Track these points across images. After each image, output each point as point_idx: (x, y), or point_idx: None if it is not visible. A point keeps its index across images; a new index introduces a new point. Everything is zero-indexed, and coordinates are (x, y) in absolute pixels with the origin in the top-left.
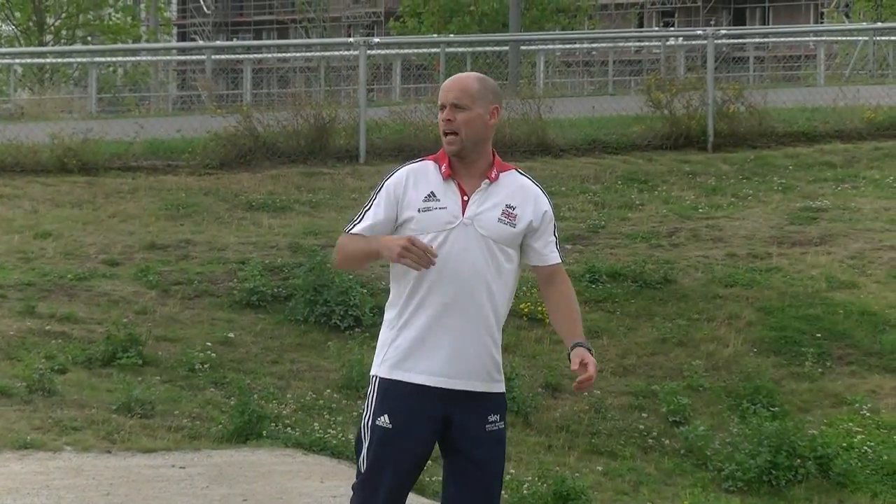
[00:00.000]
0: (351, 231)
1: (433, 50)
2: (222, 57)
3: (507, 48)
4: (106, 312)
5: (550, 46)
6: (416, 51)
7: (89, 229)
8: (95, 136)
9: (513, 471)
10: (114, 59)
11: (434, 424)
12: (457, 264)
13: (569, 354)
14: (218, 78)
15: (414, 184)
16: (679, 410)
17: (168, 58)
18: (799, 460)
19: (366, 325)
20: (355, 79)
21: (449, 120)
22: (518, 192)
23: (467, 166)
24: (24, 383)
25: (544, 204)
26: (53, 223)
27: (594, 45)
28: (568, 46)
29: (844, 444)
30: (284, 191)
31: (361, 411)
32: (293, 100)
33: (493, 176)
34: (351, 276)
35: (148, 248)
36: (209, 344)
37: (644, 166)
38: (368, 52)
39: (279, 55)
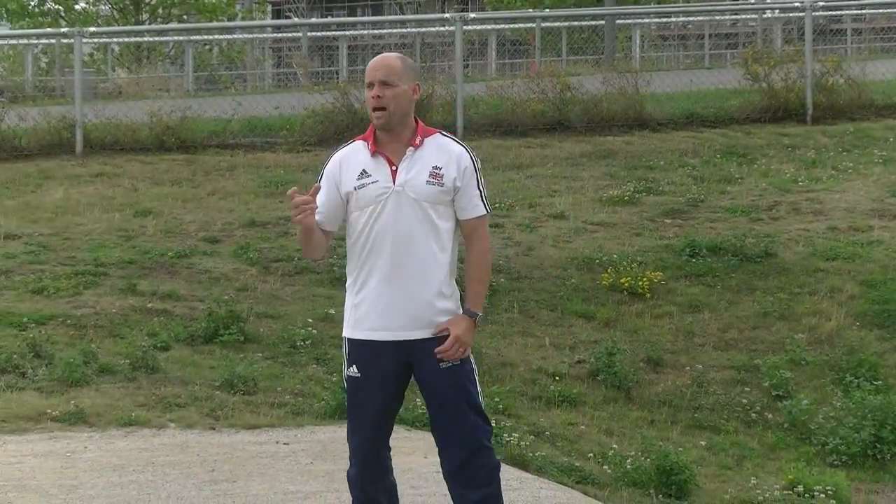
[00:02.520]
0: None
1: (529, 25)
2: (317, 34)
3: (602, 22)
4: (207, 289)
5: (646, 20)
6: (511, 26)
7: (189, 207)
8: (193, 115)
9: (615, 446)
10: (210, 37)
11: (393, 370)
12: (395, 229)
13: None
14: (313, 55)
15: (347, 164)
16: (781, 384)
17: (263, 35)
18: None
19: None
20: (451, 55)
21: (378, 96)
22: (442, 153)
23: (393, 138)
24: (128, 361)
25: (466, 160)
26: (153, 201)
27: (690, 19)
28: (663, 20)
29: None
30: None
31: (340, 368)
32: None
33: (416, 143)
34: None
35: (247, 226)
36: (310, 320)
37: (742, 140)
38: (464, 27)
39: (374, 31)
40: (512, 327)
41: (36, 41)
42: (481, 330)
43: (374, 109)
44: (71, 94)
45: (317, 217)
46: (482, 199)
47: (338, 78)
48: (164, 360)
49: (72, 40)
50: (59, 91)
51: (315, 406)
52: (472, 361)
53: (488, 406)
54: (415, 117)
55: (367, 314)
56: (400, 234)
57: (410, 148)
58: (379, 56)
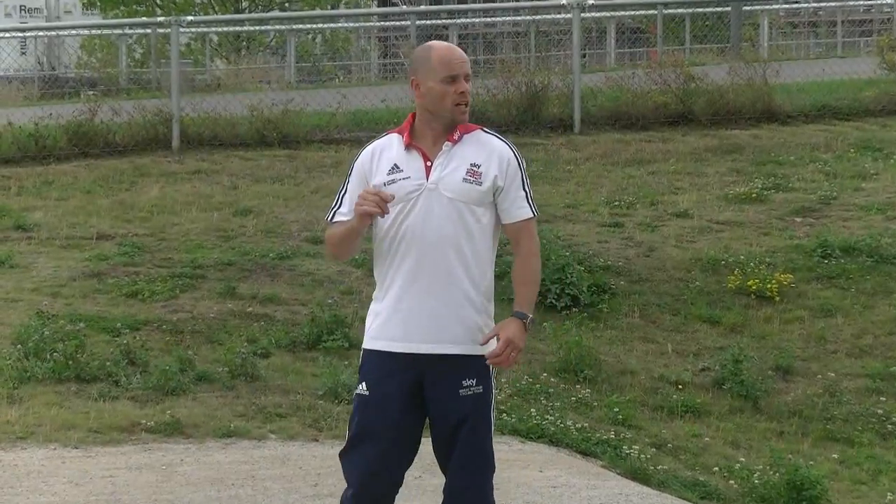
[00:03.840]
0: (333, 220)
1: (650, 12)
2: (426, 22)
3: (728, 9)
4: (310, 293)
5: (774, 6)
6: (631, 13)
7: (291, 205)
8: (296, 108)
9: (742, 459)
10: (312, 25)
11: (406, 388)
12: (423, 230)
13: None
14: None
15: (378, 159)
16: None
17: (369, 24)
18: None
19: (584, 304)
20: (567, 44)
21: (466, 91)
22: (482, 150)
23: (434, 132)
24: (226, 368)
25: (509, 157)
26: (253, 199)
27: (821, 4)
28: (793, 6)
29: None
30: None
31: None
32: (502, 67)
33: (454, 138)
34: (567, 254)
35: None
36: None
37: (878, 133)
38: (582, 14)
39: (486, 19)
40: (632, 333)
41: (130, 31)
42: (599, 336)
43: (459, 104)
44: (167, 86)
45: (344, 217)
46: (528, 201)
47: None
48: (264, 367)
49: (168, 30)
50: (155, 83)
51: None
52: (494, 388)
53: (606, 417)
54: None
55: (387, 323)
56: (429, 235)
57: (447, 143)
58: (448, 46)
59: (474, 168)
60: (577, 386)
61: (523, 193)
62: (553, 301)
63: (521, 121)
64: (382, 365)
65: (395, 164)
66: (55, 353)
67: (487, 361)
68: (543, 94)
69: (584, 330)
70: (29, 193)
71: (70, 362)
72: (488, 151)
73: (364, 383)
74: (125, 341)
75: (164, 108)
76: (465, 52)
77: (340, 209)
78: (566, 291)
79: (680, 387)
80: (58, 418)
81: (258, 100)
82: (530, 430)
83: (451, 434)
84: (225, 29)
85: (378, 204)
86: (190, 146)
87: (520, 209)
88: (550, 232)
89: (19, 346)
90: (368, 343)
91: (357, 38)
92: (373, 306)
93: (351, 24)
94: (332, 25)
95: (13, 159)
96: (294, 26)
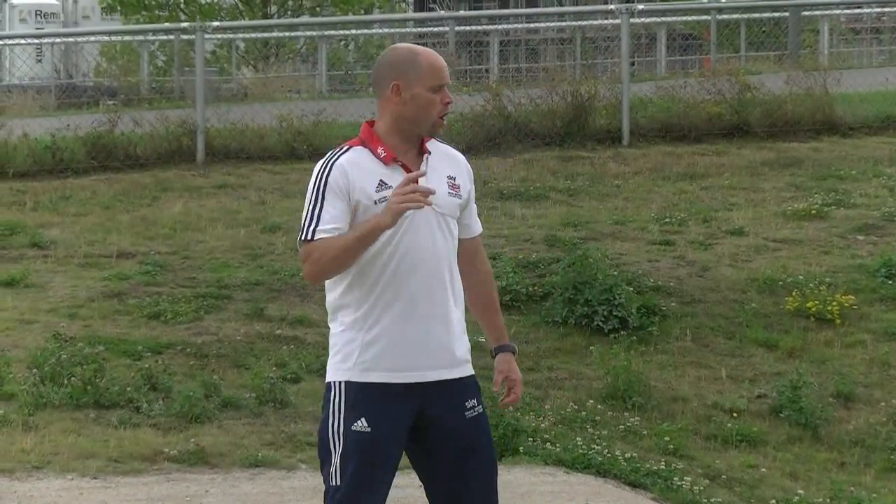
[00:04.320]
0: (315, 238)
1: (703, 17)
2: (465, 28)
3: (786, 14)
4: None
5: (835, 11)
6: (683, 18)
7: None
8: (327, 119)
9: (801, 491)
10: (345, 31)
11: (410, 420)
12: (419, 251)
13: (493, 356)
14: (461, 51)
15: (357, 175)
16: None
17: (405, 30)
18: None
19: (632, 327)
20: (614, 51)
21: (451, 102)
22: (450, 161)
23: (409, 143)
24: (254, 394)
25: (468, 168)
26: (283, 216)
27: (885, 10)
28: (854, 11)
29: None
30: (539, 177)
31: (325, 419)
32: (546, 75)
33: (426, 149)
34: (615, 273)
35: None
36: None
37: None
38: (631, 20)
39: (529, 25)
40: (684, 357)
41: (153, 37)
42: (649, 360)
43: (441, 116)
44: (191, 95)
45: (330, 233)
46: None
47: (489, 77)
48: (294, 393)
49: (193, 36)
50: (178, 93)
51: None
52: None
53: (657, 446)
54: None
55: (385, 352)
56: (427, 254)
57: (424, 155)
58: (431, 52)
59: (452, 180)
60: (626, 413)
61: (475, 208)
62: (600, 323)
63: (566, 132)
64: (383, 397)
65: (382, 181)
66: (73, 378)
67: (506, 402)
68: (590, 104)
69: (633, 354)
70: (45, 209)
71: (88, 387)
72: (455, 162)
73: (364, 419)
74: (147, 365)
75: (189, 119)
76: (507, 60)
77: (320, 226)
78: (614, 313)
79: (735, 414)
80: (75, 447)
81: (287, 110)
82: (576, 459)
83: (461, 456)
84: (252, 35)
85: (420, 199)
86: (215, 159)
87: (476, 223)
88: (598, 251)
89: (35, 370)
90: (360, 375)
91: (391, 44)
92: (356, 335)
93: (386, 30)
94: (365, 32)
95: (29, 173)
96: (325, 32)
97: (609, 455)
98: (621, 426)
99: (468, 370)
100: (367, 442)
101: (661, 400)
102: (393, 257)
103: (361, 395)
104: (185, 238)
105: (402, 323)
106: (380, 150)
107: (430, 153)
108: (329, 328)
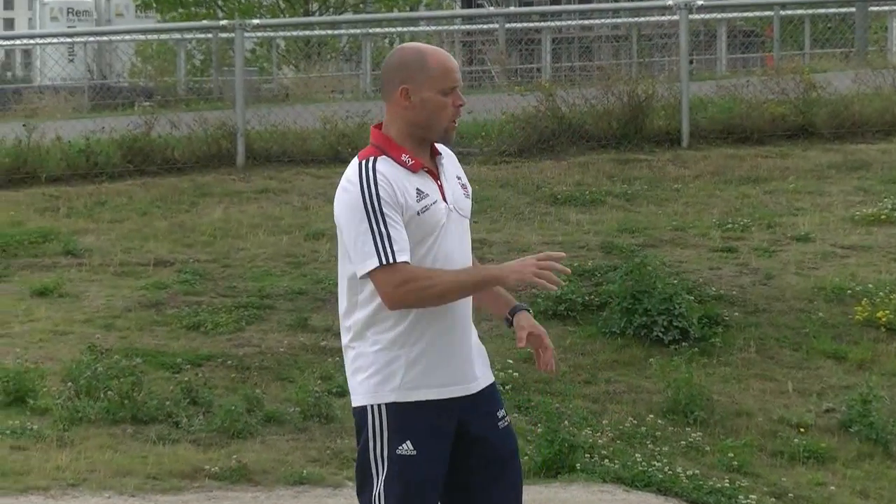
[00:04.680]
0: (399, 260)
1: (766, 13)
2: (516, 25)
3: (853, 9)
4: None
5: None
6: (744, 14)
7: None
8: (372, 120)
9: None
10: (390, 29)
11: (451, 437)
12: (453, 256)
13: (510, 323)
14: (511, 49)
15: (398, 185)
16: None
17: (452, 27)
18: None
19: (694, 338)
20: (672, 48)
21: (463, 104)
22: (452, 160)
23: (423, 148)
24: (298, 408)
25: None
26: (326, 221)
27: None
28: None
29: None
30: (594, 181)
31: (364, 444)
32: (601, 74)
33: (437, 150)
34: (675, 282)
35: None
36: (510, 361)
37: None
38: (690, 15)
39: (582, 22)
40: (748, 370)
41: (190, 35)
42: (711, 373)
43: (454, 120)
44: (230, 96)
45: (407, 254)
46: None
47: (541, 76)
48: (339, 407)
49: (232, 34)
50: (217, 93)
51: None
52: None
53: (720, 463)
54: None
55: (433, 367)
56: (460, 260)
57: (436, 157)
58: (441, 52)
59: (460, 180)
60: (688, 429)
61: None
62: (660, 334)
63: (623, 134)
64: (429, 416)
65: (419, 189)
66: (109, 392)
67: (544, 368)
68: (647, 104)
69: (694, 366)
70: (79, 215)
71: (126, 401)
72: (454, 160)
73: (409, 442)
74: (186, 378)
75: (228, 121)
76: (560, 59)
77: (397, 245)
78: (674, 324)
79: (802, 430)
80: (112, 463)
81: (331, 111)
82: (635, 477)
83: (496, 466)
84: (293, 33)
85: (554, 280)
86: (256, 163)
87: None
88: (656, 258)
89: (70, 383)
90: (405, 395)
91: (439, 42)
92: (399, 352)
93: (432, 28)
94: (411, 29)
95: (62, 177)
96: (369, 30)
97: (670, 472)
98: (683, 442)
99: (492, 376)
100: (412, 465)
101: (725, 414)
102: (434, 266)
103: (406, 417)
104: (225, 245)
105: (445, 334)
106: (405, 158)
107: (441, 155)
108: (350, 347)
